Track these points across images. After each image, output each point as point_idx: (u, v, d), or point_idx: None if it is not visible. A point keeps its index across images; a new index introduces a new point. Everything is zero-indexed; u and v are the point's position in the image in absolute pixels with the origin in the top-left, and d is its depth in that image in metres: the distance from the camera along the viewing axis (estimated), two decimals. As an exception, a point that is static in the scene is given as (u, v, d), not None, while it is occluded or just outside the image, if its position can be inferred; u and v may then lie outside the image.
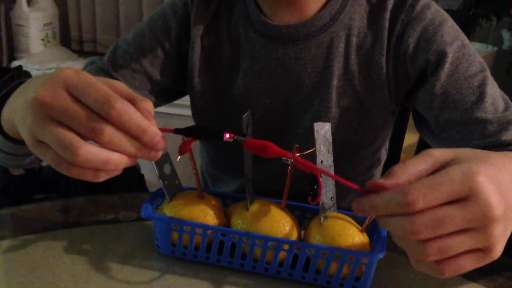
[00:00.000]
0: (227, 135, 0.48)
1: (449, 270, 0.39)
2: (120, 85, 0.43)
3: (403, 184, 0.39)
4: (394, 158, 1.13)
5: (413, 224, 0.37)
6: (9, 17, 2.16)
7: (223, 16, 0.77)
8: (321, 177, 0.50)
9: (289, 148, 0.50)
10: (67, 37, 2.42)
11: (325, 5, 0.72)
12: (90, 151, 0.40)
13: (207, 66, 0.77)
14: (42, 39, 2.25)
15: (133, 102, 0.42)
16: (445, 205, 0.37)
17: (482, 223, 0.37)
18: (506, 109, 0.67)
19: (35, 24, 2.20)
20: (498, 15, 1.72)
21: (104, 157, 0.41)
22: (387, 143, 0.84)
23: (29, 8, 2.19)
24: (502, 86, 1.98)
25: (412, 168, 0.40)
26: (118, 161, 0.42)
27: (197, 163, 0.61)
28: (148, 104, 0.43)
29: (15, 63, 2.07)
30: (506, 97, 0.70)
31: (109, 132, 0.40)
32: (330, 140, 0.58)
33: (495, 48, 1.89)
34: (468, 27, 1.11)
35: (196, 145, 0.65)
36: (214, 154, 0.84)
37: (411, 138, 1.21)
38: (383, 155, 0.85)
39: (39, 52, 2.23)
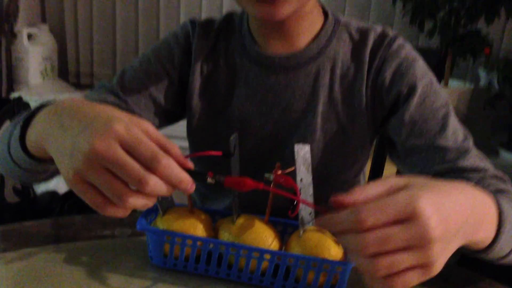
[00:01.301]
0: (209, 179, 0.54)
1: (397, 285, 0.44)
2: (152, 129, 0.51)
3: (360, 203, 0.44)
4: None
5: (363, 240, 0.42)
6: (9, 50, 2.23)
7: (221, 46, 0.84)
8: (300, 192, 0.56)
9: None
10: (65, 70, 2.50)
11: (313, 39, 0.80)
12: (135, 199, 0.49)
13: (205, 90, 0.84)
14: (41, 72, 2.32)
15: (162, 145, 0.50)
16: (392, 225, 0.42)
17: (422, 242, 0.42)
18: (464, 139, 0.75)
19: (34, 58, 2.28)
20: (474, 54, 1.82)
21: (144, 203, 0.50)
22: (365, 168, 0.90)
23: (29, 42, 2.27)
24: (479, 121, 2.07)
25: (370, 190, 0.46)
26: (151, 204, 0.51)
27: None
28: (176, 150, 0.51)
29: (14, 95, 2.13)
30: (466, 129, 0.77)
31: (152, 183, 0.48)
32: (309, 160, 0.63)
33: (472, 86, 1.98)
34: (441, 65, 1.19)
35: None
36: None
37: (391, 168, 1.28)
38: (362, 180, 0.91)
39: (38, 84, 2.29)
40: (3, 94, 2.19)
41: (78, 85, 2.47)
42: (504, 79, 1.86)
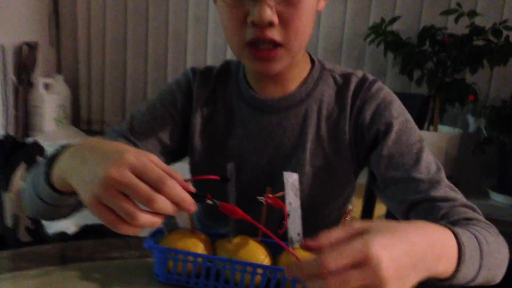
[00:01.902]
0: (208, 200, 0.62)
1: None
2: (157, 160, 0.59)
3: (325, 246, 0.51)
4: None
5: (326, 284, 0.48)
6: (26, 98, 2.35)
7: (219, 90, 0.93)
8: (288, 213, 0.63)
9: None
10: (77, 118, 2.61)
11: (302, 84, 0.89)
12: (145, 217, 0.56)
13: (205, 130, 0.92)
14: (55, 119, 2.43)
15: (167, 172, 0.58)
16: (351, 268, 0.48)
17: (376, 282, 0.48)
18: (437, 171, 0.82)
19: (49, 106, 2.39)
20: (461, 101, 1.91)
21: (153, 220, 0.58)
22: (352, 199, 0.97)
23: (45, 91, 2.39)
24: (469, 165, 2.15)
25: (334, 235, 0.52)
26: (159, 222, 0.58)
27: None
28: (179, 176, 0.60)
29: (29, 140, 2.23)
30: (438, 162, 0.84)
31: (160, 201, 0.56)
32: (298, 186, 0.71)
33: (461, 131, 2.06)
34: (427, 110, 1.28)
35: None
36: (205, 205, 0.97)
37: (382, 208, 1.35)
38: (350, 208, 0.98)
39: (51, 131, 2.40)
40: (20, 139, 2.29)
41: (89, 132, 2.58)
42: (491, 125, 1.95)
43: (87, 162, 0.60)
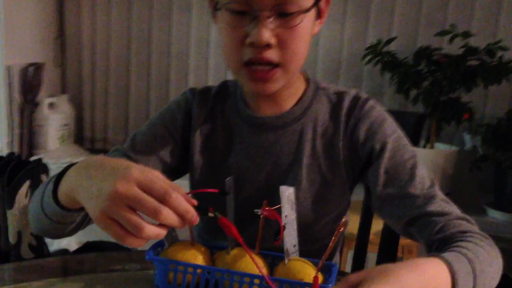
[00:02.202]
0: (210, 213, 0.65)
1: None
2: (161, 175, 0.62)
3: None
4: (363, 242, 1.27)
5: None
6: (31, 117, 2.39)
7: (218, 109, 0.96)
8: (284, 225, 0.66)
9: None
10: (80, 136, 2.65)
11: (297, 102, 0.92)
12: (150, 229, 0.59)
13: (205, 147, 0.95)
14: (59, 138, 2.47)
15: (171, 187, 0.60)
16: None
17: None
18: (430, 186, 0.84)
19: (54, 125, 2.43)
20: (457, 119, 1.95)
21: (158, 232, 0.60)
22: (347, 213, 0.99)
23: (49, 111, 2.43)
24: (466, 182, 2.17)
25: None
26: (164, 233, 0.61)
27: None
28: (182, 189, 0.62)
29: (33, 158, 2.26)
30: (432, 177, 0.87)
31: (165, 213, 0.58)
32: (294, 200, 0.73)
33: (457, 149, 2.09)
34: (421, 128, 1.31)
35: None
36: (206, 220, 0.99)
37: (379, 223, 1.36)
38: (345, 221, 1.00)
39: (55, 149, 2.43)
40: (24, 157, 2.32)
41: (92, 150, 2.61)
42: (486, 143, 1.98)
43: (94, 178, 0.62)
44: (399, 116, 1.20)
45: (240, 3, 0.77)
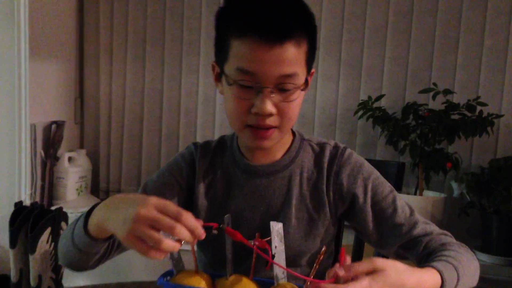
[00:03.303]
0: (214, 230, 0.78)
1: None
2: (173, 204, 0.75)
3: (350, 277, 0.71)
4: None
5: None
6: (52, 170, 2.53)
7: (217, 160, 1.09)
8: (273, 254, 0.78)
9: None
10: (96, 188, 2.77)
11: (286, 152, 1.05)
12: (168, 242, 0.72)
13: (207, 193, 1.07)
14: (76, 189, 2.60)
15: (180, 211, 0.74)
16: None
17: None
18: (411, 213, 0.99)
19: (72, 177, 2.56)
20: (442, 169, 2.06)
21: (173, 245, 0.73)
22: (332, 244, 1.11)
23: (69, 164, 2.58)
24: (455, 227, 2.30)
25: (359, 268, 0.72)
26: (178, 247, 0.74)
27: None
28: (191, 214, 0.75)
29: (54, 208, 2.38)
30: (409, 205, 1.01)
31: (179, 228, 0.72)
32: (282, 234, 0.85)
33: (445, 196, 2.19)
34: (400, 176, 1.43)
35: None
36: (210, 255, 1.10)
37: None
38: (330, 253, 1.11)
39: (73, 200, 2.55)
40: (45, 207, 2.44)
41: (106, 201, 2.74)
42: (471, 190, 2.09)
43: (119, 209, 0.76)
44: (382, 165, 1.35)
45: (249, 80, 0.91)
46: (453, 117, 2.11)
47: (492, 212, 2.04)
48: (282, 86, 0.92)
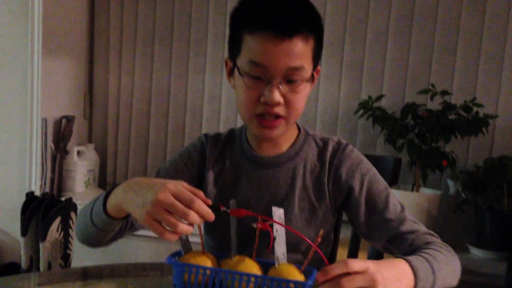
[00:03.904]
0: (222, 208, 0.84)
1: None
2: (187, 184, 0.82)
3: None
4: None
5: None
6: (62, 164, 2.59)
7: (227, 150, 1.14)
8: (274, 237, 0.83)
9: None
10: (103, 181, 2.83)
11: (291, 145, 1.11)
12: (183, 226, 0.79)
13: (216, 182, 1.13)
14: (85, 182, 2.65)
15: (193, 191, 0.81)
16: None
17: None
18: (401, 211, 1.03)
19: (81, 170, 2.62)
20: (439, 167, 2.11)
21: (187, 228, 0.80)
22: (331, 234, 1.16)
23: (78, 158, 2.63)
24: (451, 223, 2.34)
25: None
26: (191, 230, 0.80)
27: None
28: (201, 193, 0.83)
29: (63, 198, 2.44)
30: (402, 203, 1.05)
31: (192, 215, 0.78)
32: (283, 218, 0.90)
33: (441, 193, 2.23)
34: (396, 170, 1.48)
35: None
36: (216, 240, 1.15)
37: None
38: (329, 242, 1.16)
39: (81, 192, 2.61)
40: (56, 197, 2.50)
41: (113, 194, 2.79)
42: (466, 188, 2.13)
43: (138, 192, 0.82)
44: (380, 159, 1.40)
45: (259, 71, 0.97)
46: (450, 117, 2.15)
47: (486, 209, 2.08)
48: (290, 78, 0.98)
